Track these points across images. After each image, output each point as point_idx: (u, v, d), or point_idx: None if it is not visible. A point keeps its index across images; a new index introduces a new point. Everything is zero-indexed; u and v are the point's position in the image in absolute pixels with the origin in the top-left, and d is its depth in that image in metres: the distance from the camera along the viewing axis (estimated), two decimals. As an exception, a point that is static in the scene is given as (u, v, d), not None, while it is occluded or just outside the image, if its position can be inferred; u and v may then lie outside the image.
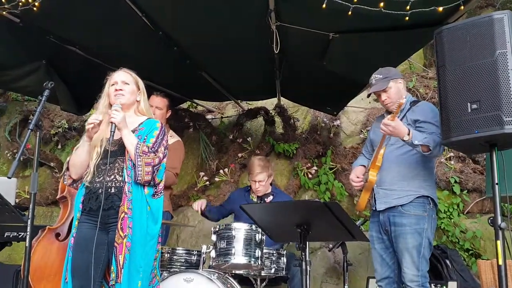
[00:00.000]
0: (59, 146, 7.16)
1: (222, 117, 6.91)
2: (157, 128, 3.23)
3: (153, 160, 3.06)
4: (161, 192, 3.22)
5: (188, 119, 6.65)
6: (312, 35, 4.10)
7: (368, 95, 3.75)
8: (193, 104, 6.85)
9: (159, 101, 4.62)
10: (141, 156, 3.02)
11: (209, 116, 6.89)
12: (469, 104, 2.74)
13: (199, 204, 4.68)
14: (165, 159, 3.21)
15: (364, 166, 3.73)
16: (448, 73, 2.85)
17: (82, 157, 3.20)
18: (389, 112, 3.60)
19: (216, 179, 6.30)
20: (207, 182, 6.33)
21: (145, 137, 3.16)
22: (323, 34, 4.11)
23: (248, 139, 6.45)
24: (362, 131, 6.08)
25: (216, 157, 6.48)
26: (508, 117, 2.60)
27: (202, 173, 6.39)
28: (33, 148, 3.06)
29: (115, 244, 2.99)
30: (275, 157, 6.16)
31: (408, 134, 3.27)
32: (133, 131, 3.15)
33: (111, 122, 3.05)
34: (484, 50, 2.72)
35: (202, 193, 6.28)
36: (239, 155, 6.36)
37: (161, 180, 3.19)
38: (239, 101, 6.48)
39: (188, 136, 6.66)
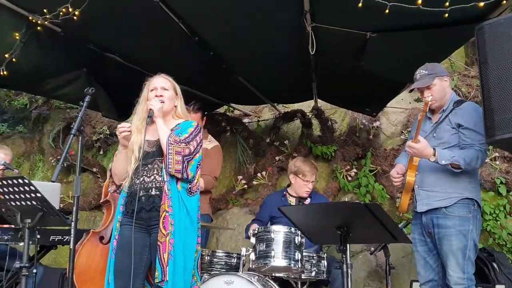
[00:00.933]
0: (101, 152, 7.29)
1: (258, 121, 6.93)
2: (192, 126, 3.27)
3: (183, 150, 3.09)
4: (196, 191, 3.25)
5: (225, 123, 6.70)
6: (348, 35, 4.07)
7: (410, 90, 3.69)
8: (230, 108, 6.90)
9: (194, 116, 4.60)
10: (172, 144, 3.06)
11: (246, 120, 6.92)
12: None
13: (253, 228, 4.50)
14: (197, 155, 3.21)
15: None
16: (490, 70, 2.79)
17: (121, 165, 3.29)
18: (431, 110, 3.55)
19: (254, 182, 6.31)
20: (245, 186, 6.33)
21: (180, 133, 3.19)
22: (359, 34, 4.07)
23: (285, 142, 6.44)
24: (402, 132, 5.98)
25: (254, 160, 6.48)
26: None
27: (240, 177, 6.40)
28: (76, 154, 3.11)
29: (158, 243, 3.03)
30: (313, 159, 6.08)
31: (434, 155, 3.24)
32: (171, 130, 3.20)
33: (150, 109, 3.14)
34: None
35: (241, 196, 6.31)
36: (277, 158, 6.35)
37: (194, 176, 3.19)
38: (275, 104, 6.48)
39: (226, 140, 6.68)
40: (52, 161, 7.28)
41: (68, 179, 7.07)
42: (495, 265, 4.27)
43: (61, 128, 7.52)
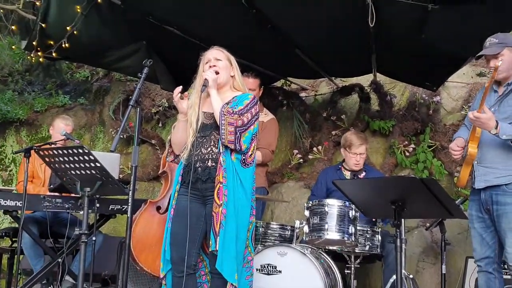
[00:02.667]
0: (160, 124, 7.39)
1: (315, 95, 6.89)
2: (248, 99, 3.27)
3: (236, 121, 3.11)
4: (251, 163, 3.26)
5: (282, 97, 6.70)
6: (409, 7, 3.99)
7: (477, 58, 3.55)
8: (287, 82, 6.89)
9: (252, 82, 4.66)
10: (225, 115, 3.09)
11: (302, 94, 6.90)
12: None
13: None
14: (252, 127, 3.22)
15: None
16: None
17: (179, 134, 3.32)
18: (497, 82, 3.47)
19: (310, 156, 6.33)
20: (301, 160, 6.36)
21: (236, 105, 3.21)
22: (421, 6, 3.99)
23: (342, 116, 6.40)
24: (463, 108, 5.86)
25: (310, 135, 6.48)
26: None
27: (295, 151, 6.43)
28: (135, 125, 3.19)
29: (213, 213, 3.08)
30: (370, 135, 6.07)
31: (496, 128, 3.16)
32: (227, 103, 3.21)
33: (204, 79, 3.17)
34: None
35: (296, 170, 6.34)
36: (333, 132, 6.33)
37: (248, 148, 3.21)
38: (333, 78, 6.44)
39: (282, 114, 6.69)
40: (112, 132, 7.39)
41: (128, 151, 7.21)
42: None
43: (121, 100, 7.61)
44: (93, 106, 8.09)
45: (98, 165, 3.01)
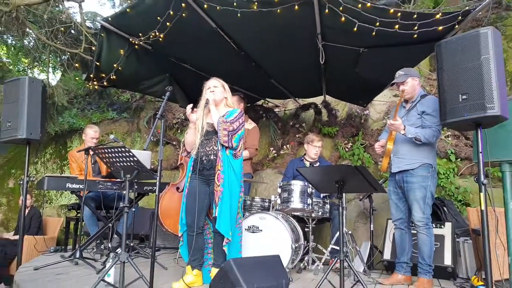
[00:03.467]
0: (179, 131, 7.35)
1: (285, 110, 6.89)
2: (237, 112, 3.24)
3: (228, 127, 3.10)
4: (239, 156, 3.23)
5: (262, 111, 6.69)
6: (347, 50, 4.03)
7: (392, 84, 3.56)
8: (266, 101, 6.89)
9: (235, 98, 4.53)
10: (220, 123, 3.09)
11: (276, 110, 6.88)
12: (460, 95, 2.62)
13: None
14: (240, 131, 3.19)
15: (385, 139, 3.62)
16: (445, 74, 2.74)
17: (190, 137, 3.30)
18: (405, 100, 3.50)
19: (281, 152, 6.32)
20: (275, 154, 6.35)
21: (229, 117, 3.19)
22: (355, 49, 4.03)
23: (303, 125, 6.43)
24: (384, 118, 5.89)
25: (281, 137, 6.49)
26: (490, 104, 2.49)
27: (271, 148, 6.43)
28: (161, 131, 3.18)
29: (214, 191, 3.08)
30: (321, 136, 6.09)
31: (404, 129, 3.22)
32: (223, 116, 3.18)
33: (206, 99, 3.19)
34: (472, 56, 2.60)
35: (272, 161, 6.31)
36: (297, 135, 6.34)
37: (237, 145, 3.17)
38: (296, 98, 6.44)
39: (262, 123, 6.66)
40: (146, 136, 7.36)
41: (156, 149, 7.07)
42: (445, 209, 4.23)
43: (152, 115, 7.62)
44: (132, 118, 8.05)
45: (135, 159, 3.00)
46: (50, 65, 8.54)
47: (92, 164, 4.88)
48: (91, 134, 4.89)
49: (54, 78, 9.34)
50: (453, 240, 3.72)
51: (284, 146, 6.33)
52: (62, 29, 6.14)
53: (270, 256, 2.56)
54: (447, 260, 3.62)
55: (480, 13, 3.88)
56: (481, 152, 2.64)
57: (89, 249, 4.43)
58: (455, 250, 3.72)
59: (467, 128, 2.81)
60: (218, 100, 3.29)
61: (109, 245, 4.07)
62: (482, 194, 2.55)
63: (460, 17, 3.18)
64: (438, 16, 3.18)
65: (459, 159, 5.09)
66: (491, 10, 6.59)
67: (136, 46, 4.43)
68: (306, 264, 3.97)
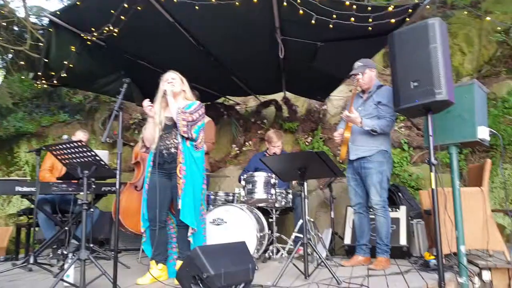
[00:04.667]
0: (136, 132, 7.20)
1: (246, 107, 7.00)
2: (196, 104, 3.25)
3: (187, 117, 3.09)
4: (201, 148, 3.23)
5: (223, 109, 6.75)
6: (305, 44, 4.17)
7: (350, 76, 3.63)
8: (226, 99, 6.95)
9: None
10: (179, 114, 3.08)
11: (237, 107, 6.97)
12: (411, 82, 2.78)
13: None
14: (199, 123, 3.19)
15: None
16: (398, 62, 2.88)
17: (149, 132, 3.25)
18: (362, 90, 3.64)
19: (244, 149, 6.42)
20: (238, 151, 6.43)
21: (188, 109, 3.19)
22: (313, 43, 4.18)
23: (264, 121, 6.57)
24: (341, 112, 6.08)
25: (243, 134, 6.57)
26: (438, 89, 2.66)
27: (234, 145, 6.50)
28: (118, 131, 3.05)
29: (177, 184, 3.07)
30: (283, 132, 6.17)
31: (361, 123, 3.38)
32: (182, 108, 3.17)
33: (164, 90, 3.18)
34: (422, 45, 2.74)
35: (234, 158, 6.38)
36: (259, 132, 6.47)
37: (197, 136, 3.17)
38: (257, 95, 6.58)
39: (224, 121, 6.73)
40: (101, 138, 7.15)
41: (113, 151, 6.93)
42: (400, 194, 4.49)
43: (107, 115, 7.45)
44: (86, 120, 7.82)
45: (93, 153, 2.94)
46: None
47: None
48: (80, 136, 4.76)
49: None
50: (407, 222, 3.98)
51: (246, 143, 6.43)
52: (4, 23, 5.86)
53: (236, 242, 2.63)
54: (403, 241, 3.88)
55: (427, 10, 4.16)
56: (431, 135, 2.84)
57: (43, 256, 4.29)
58: (410, 231, 3.99)
59: (418, 114, 2.99)
60: (176, 92, 3.26)
61: (66, 251, 3.97)
62: (432, 174, 2.74)
63: (410, 10, 3.41)
64: (390, 8, 3.39)
65: (412, 148, 5.45)
66: (437, 10, 7.05)
67: (88, 42, 4.32)
68: (271, 253, 4.07)
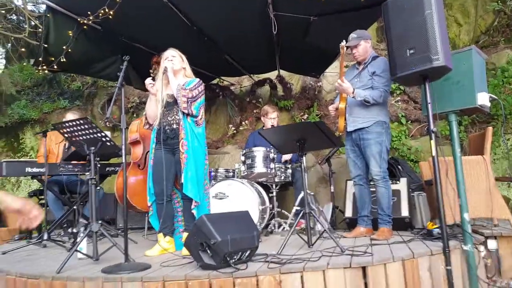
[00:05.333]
0: (134, 115, 7.15)
1: (241, 87, 6.87)
2: (196, 81, 3.23)
3: (187, 94, 3.08)
4: (201, 124, 3.22)
5: (218, 90, 6.64)
6: (298, 19, 4.07)
7: (346, 48, 3.44)
8: (221, 80, 6.83)
9: None
10: (179, 90, 3.07)
11: (232, 87, 6.86)
12: (408, 50, 2.69)
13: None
14: (199, 99, 3.18)
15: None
16: (392, 31, 2.79)
17: (151, 107, 3.25)
18: (358, 62, 3.55)
19: (241, 128, 6.36)
20: (235, 131, 6.37)
21: (188, 85, 3.17)
22: (306, 18, 4.08)
23: (259, 100, 6.45)
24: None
25: (239, 114, 6.50)
26: (435, 55, 2.58)
27: (230, 125, 6.44)
28: (118, 117, 3.02)
29: (180, 158, 3.07)
30: (278, 109, 6.19)
31: (353, 93, 3.29)
32: (183, 85, 3.15)
33: (164, 67, 3.14)
34: (417, 12, 2.66)
35: (232, 138, 6.32)
36: (254, 111, 6.38)
37: (197, 113, 3.16)
38: (251, 75, 6.45)
39: (219, 102, 6.65)
40: (101, 123, 7.09)
41: (113, 135, 6.91)
42: (399, 167, 4.40)
43: (105, 100, 7.39)
44: (85, 106, 7.75)
45: (98, 129, 2.93)
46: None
47: (66, 149, 4.66)
48: (71, 118, 4.65)
49: (-4, 69, 8.75)
50: (408, 194, 3.88)
51: (243, 122, 6.35)
52: (3, 11, 5.70)
53: (240, 211, 2.59)
54: (404, 212, 3.78)
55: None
56: (429, 103, 2.76)
57: (55, 235, 4.27)
58: (411, 203, 3.89)
59: (415, 82, 2.90)
60: (176, 70, 3.23)
61: (75, 230, 3.94)
62: (432, 142, 2.67)
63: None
64: (383, -22, 3.26)
65: (410, 122, 5.35)
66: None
67: (85, 27, 4.22)
68: (273, 227, 4.04)
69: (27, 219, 1.55)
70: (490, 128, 3.39)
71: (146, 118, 3.34)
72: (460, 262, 2.69)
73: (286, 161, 4.37)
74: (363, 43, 3.47)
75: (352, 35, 3.49)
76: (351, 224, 3.96)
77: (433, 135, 2.70)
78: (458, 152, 2.88)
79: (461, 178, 2.82)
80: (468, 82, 2.79)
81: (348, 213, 4.10)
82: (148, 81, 3.20)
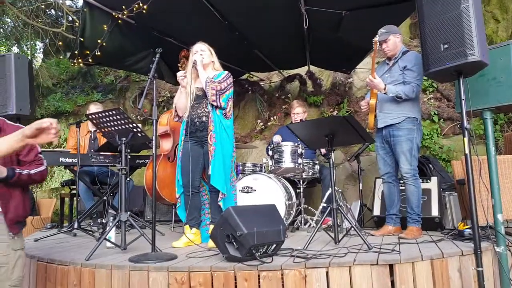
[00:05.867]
0: (165, 109, 7.25)
1: (270, 82, 6.89)
2: (225, 73, 3.26)
3: (216, 86, 3.11)
4: (229, 116, 3.24)
5: (247, 85, 6.69)
6: (330, 14, 4.05)
7: (374, 43, 3.42)
8: (251, 75, 6.87)
9: None
10: (208, 83, 3.11)
11: (261, 83, 6.89)
12: (442, 45, 2.63)
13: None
14: (228, 92, 3.19)
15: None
16: (426, 25, 2.73)
17: (181, 100, 3.29)
18: (389, 58, 3.51)
19: (269, 123, 6.37)
20: (263, 126, 6.39)
21: (217, 78, 3.20)
22: (337, 13, 4.05)
23: (288, 95, 6.45)
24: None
25: (268, 109, 6.52)
26: (470, 50, 2.51)
27: (259, 121, 6.46)
28: (149, 109, 3.08)
29: (208, 150, 3.10)
30: (307, 106, 6.14)
31: (385, 89, 3.24)
32: (212, 77, 3.19)
33: (194, 60, 3.18)
34: (452, 5, 2.60)
35: (260, 133, 6.35)
36: (283, 107, 6.39)
37: (226, 105, 3.17)
38: (281, 70, 6.46)
39: (248, 97, 6.70)
40: (133, 116, 7.30)
41: (144, 129, 7.11)
42: (431, 166, 4.31)
43: (137, 94, 7.54)
44: (118, 99, 7.94)
45: (130, 120, 2.99)
46: (29, 51, 8.35)
47: (92, 141, 4.84)
48: (93, 110, 4.78)
49: (34, 63, 9.11)
50: (439, 193, 3.80)
51: (271, 118, 6.36)
52: (43, 6, 5.96)
53: (267, 205, 2.62)
54: (435, 211, 3.70)
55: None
56: (463, 99, 2.69)
57: (85, 224, 4.44)
58: (442, 202, 3.80)
59: (449, 78, 2.84)
60: (206, 64, 3.28)
61: (105, 220, 4.08)
62: (465, 139, 2.61)
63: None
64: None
65: (442, 120, 5.21)
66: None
67: (119, 21, 4.34)
68: (299, 223, 4.05)
69: (46, 132, 1.61)
70: (527, 127, 3.27)
71: (176, 111, 3.39)
72: (491, 264, 2.62)
73: (323, 154, 4.33)
74: (392, 38, 3.43)
75: (381, 30, 3.46)
76: (379, 222, 3.92)
77: (466, 132, 2.63)
78: (493, 150, 2.80)
79: (495, 177, 2.74)
80: (506, 78, 2.71)
81: (376, 211, 4.05)
82: (180, 73, 3.28)
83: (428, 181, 3.92)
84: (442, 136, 5.13)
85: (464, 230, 3.04)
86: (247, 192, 3.67)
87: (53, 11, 6.55)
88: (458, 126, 4.81)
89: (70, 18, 6.01)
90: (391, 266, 2.34)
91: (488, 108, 2.85)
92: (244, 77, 6.83)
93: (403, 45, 3.53)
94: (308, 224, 4.02)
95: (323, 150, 4.42)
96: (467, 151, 2.61)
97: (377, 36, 3.36)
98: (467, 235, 2.94)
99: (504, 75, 2.72)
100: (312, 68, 6.22)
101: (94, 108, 4.90)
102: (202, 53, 3.27)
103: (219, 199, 3.06)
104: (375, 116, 3.46)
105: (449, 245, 2.79)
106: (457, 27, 2.60)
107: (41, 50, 8.54)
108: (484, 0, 6.24)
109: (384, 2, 3.69)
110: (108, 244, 2.99)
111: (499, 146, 4.67)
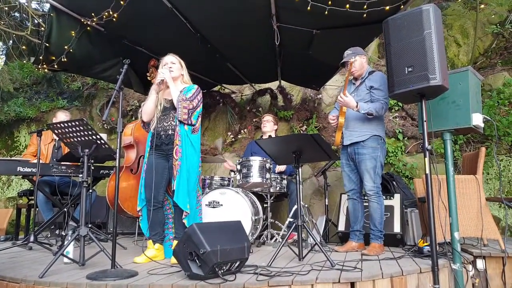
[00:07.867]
0: (133, 118, 7.09)
1: (241, 95, 6.92)
2: (194, 88, 3.23)
3: (188, 105, 3.08)
4: (197, 131, 3.21)
5: (219, 97, 6.69)
6: (301, 32, 4.11)
7: (341, 64, 3.60)
8: (222, 87, 6.88)
9: None
10: (180, 102, 3.06)
11: (233, 95, 6.90)
12: (406, 68, 2.75)
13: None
14: (198, 108, 3.18)
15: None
16: (392, 48, 2.84)
17: (150, 105, 3.20)
18: (355, 78, 3.62)
19: (239, 136, 6.38)
20: (233, 139, 6.39)
21: (186, 93, 3.17)
22: (309, 31, 4.12)
23: (259, 109, 6.50)
24: (336, 102, 6.09)
25: (238, 122, 6.54)
26: (432, 74, 2.64)
27: (229, 133, 6.46)
28: (116, 119, 3.03)
29: (173, 165, 3.06)
30: (278, 120, 6.24)
31: (356, 106, 3.34)
32: (181, 92, 3.15)
33: (161, 80, 3.12)
34: (416, 31, 2.71)
35: (230, 146, 6.35)
36: (254, 120, 6.42)
37: (196, 121, 3.17)
38: (253, 84, 6.50)
39: (219, 109, 6.69)
40: (99, 125, 7.13)
41: (111, 138, 6.95)
42: (394, 183, 4.44)
43: (104, 102, 7.38)
44: (84, 107, 7.73)
45: (94, 132, 2.91)
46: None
47: (56, 150, 4.68)
48: (62, 118, 4.67)
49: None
50: (401, 210, 3.93)
51: (242, 131, 6.38)
52: (6, 8, 5.77)
53: (232, 221, 2.60)
54: (397, 228, 3.83)
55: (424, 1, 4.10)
56: (425, 121, 2.80)
57: (42, 237, 4.27)
58: (404, 219, 3.93)
59: (413, 100, 2.95)
60: (175, 77, 3.24)
61: (64, 232, 3.94)
62: (426, 159, 2.71)
63: (405, -3, 3.37)
64: (385, -5, 3.34)
65: (406, 138, 5.40)
66: (432, 0, 7.00)
67: (88, 28, 4.26)
68: (265, 238, 4.05)
69: None
70: (483, 149, 3.43)
71: (141, 116, 3.30)
72: (448, 281, 2.72)
73: (280, 172, 4.41)
74: (358, 59, 3.54)
75: (347, 51, 3.58)
76: (344, 238, 3.99)
77: (427, 152, 2.74)
78: (451, 170, 2.92)
79: (453, 196, 2.86)
80: (464, 102, 2.85)
81: (341, 226, 4.13)
82: (160, 76, 3.16)
83: (392, 198, 4.04)
84: (406, 154, 5.31)
85: (424, 247, 3.15)
86: (214, 207, 3.65)
87: (17, 14, 6.33)
88: (421, 145, 4.98)
89: (36, 22, 5.82)
90: (352, 284, 2.38)
91: (447, 130, 2.97)
92: (216, 89, 6.83)
93: (368, 65, 3.65)
94: (274, 238, 4.03)
95: (280, 167, 4.46)
96: (427, 171, 2.71)
97: (344, 57, 3.47)
98: (426, 252, 3.06)
99: (462, 99, 2.86)
100: (283, 83, 6.31)
101: (62, 115, 4.76)
102: (172, 65, 3.23)
103: (183, 216, 3.02)
104: (342, 134, 3.54)
105: (409, 262, 2.88)
106: (420, 52, 2.71)
107: (3, 52, 8.23)
108: (447, 25, 6.57)
109: (353, 23, 3.79)
110: (66, 260, 2.87)
111: (458, 165, 4.87)
